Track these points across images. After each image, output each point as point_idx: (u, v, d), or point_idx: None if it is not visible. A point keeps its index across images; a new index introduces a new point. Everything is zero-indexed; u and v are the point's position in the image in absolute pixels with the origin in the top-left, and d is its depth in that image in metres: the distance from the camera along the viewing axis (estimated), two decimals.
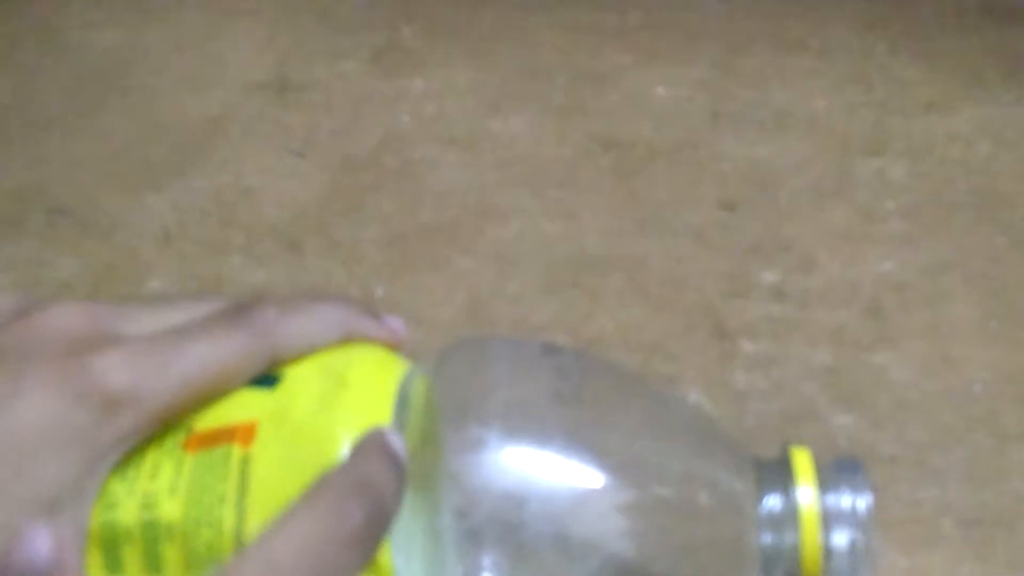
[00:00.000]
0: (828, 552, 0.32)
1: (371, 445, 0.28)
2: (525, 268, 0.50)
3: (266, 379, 0.31)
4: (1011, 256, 0.48)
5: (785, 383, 0.45)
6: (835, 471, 0.33)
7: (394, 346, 0.34)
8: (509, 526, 0.31)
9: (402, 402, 0.31)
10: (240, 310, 0.31)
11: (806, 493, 0.33)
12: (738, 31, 0.60)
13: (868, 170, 0.52)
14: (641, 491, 0.32)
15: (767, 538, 0.33)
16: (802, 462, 0.33)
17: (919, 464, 0.42)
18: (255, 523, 0.29)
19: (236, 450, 0.29)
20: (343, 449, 0.29)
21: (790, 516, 0.32)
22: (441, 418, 0.31)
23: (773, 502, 0.33)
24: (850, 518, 0.32)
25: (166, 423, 0.30)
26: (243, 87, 0.59)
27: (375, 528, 0.27)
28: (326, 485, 0.27)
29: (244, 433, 0.30)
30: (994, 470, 0.41)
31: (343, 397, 0.30)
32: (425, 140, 0.56)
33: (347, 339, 0.32)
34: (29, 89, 0.60)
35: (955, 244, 0.49)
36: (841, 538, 0.32)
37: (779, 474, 0.33)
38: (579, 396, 0.33)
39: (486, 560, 0.31)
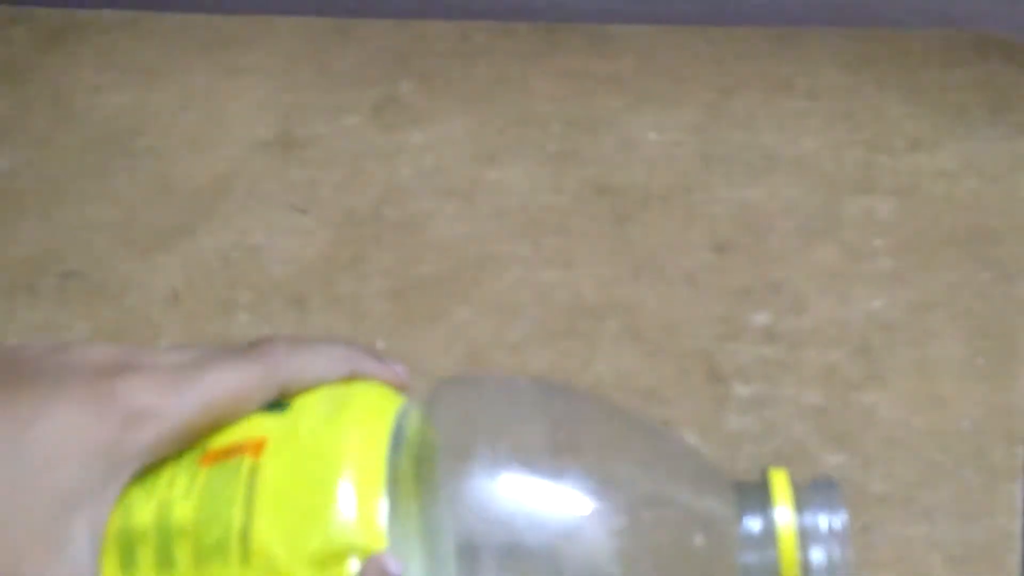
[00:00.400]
0: (807, 569, 0.34)
1: (372, 572, 0.31)
2: (523, 317, 0.51)
3: (277, 405, 0.34)
4: (997, 292, 0.49)
5: (777, 424, 0.46)
6: (811, 491, 0.35)
7: (397, 388, 0.36)
8: (505, 552, 0.33)
9: (399, 431, 0.34)
10: (253, 345, 0.34)
11: (783, 513, 0.34)
12: (727, 74, 0.61)
13: (856, 209, 0.54)
14: (629, 516, 0.34)
15: (748, 557, 0.34)
16: (779, 483, 0.35)
17: (908, 502, 0.43)
18: (261, 522, 0.31)
19: (247, 460, 0.32)
20: (344, 458, 0.32)
21: (769, 536, 0.34)
22: (437, 446, 0.34)
23: (752, 523, 0.35)
24: (826, 535, 0.34)
25: (183, 444, 0.33)
26: (248, 145, 0.61)
27: None
28: None
29: (254, 447, 0.33)
30: (982, 507, 0.42)
31: (345, 416, 0.33)
32: (424, 192, 0.57)
33: (352, 377, 0.35)
34: (41, 156, 0.62)
35: (942, 281, 0.50)
36: (818, 554, 0.34)
37: (758, 496, 0.35)
38: (567, 425, 0.35)
39: None
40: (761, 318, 0.49)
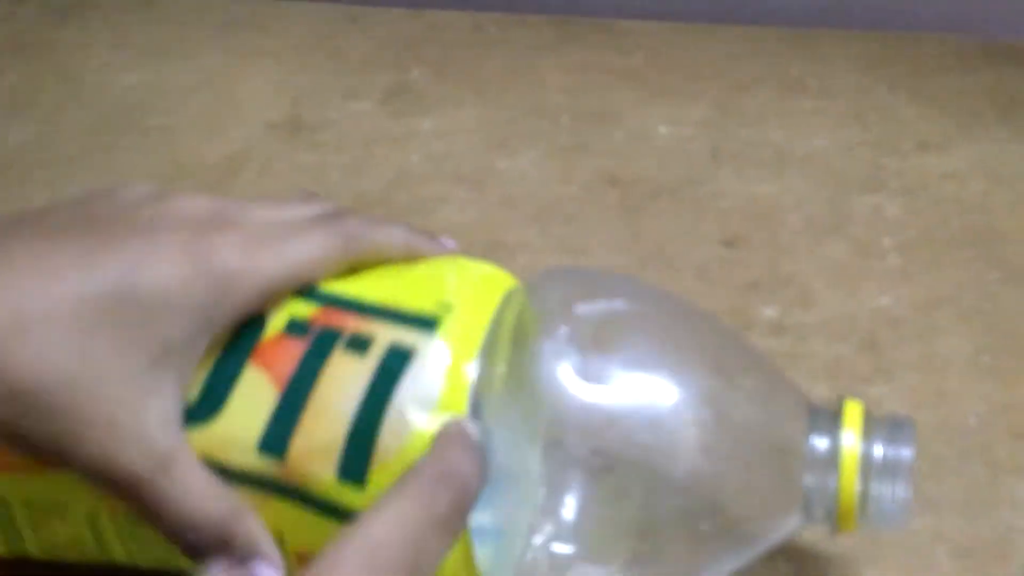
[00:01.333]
0: (864, 498, 0.35)
1: (452, 436, 0.32)
2: None
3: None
4: (1004, 291, 0.50)
5: None
6: (883, 425, 0.35)
7: None
8: (594, 439, 0.34)
9: (500, 312, 0.35)
10: (334, 216, 0.37)
11: (849, 439, 0.35)
12: (739, 72, 0.62)
13: (865, 207, 0.54)
14: (711, 413, 0.35)
15: (810, 479, 0.35)
16: (852, 412, 0.35)
17: (914, 495, 0.43)
18: None
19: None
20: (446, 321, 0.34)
21: (833, 459, 0.35)
22: (534, 330, 0.35)
23: (819, 443, 0.35)
24: (889, 468, 0.35)
25: (267, 303, 0.35)
26: (259, 127, 0.61)
27: (460, 512, 0.31)
28: (415, 475, 0.31)
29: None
30: (987, 501, 0.42)
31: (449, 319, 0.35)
32: (434, 178, 0.57)
33: (409, 254, 0.37)
34: (51, 130, 0.62)
35: (949, 279, 0.50)
36: (877, 486, 0.35)
37: (829, 420, 0.35)
38: (662, 324, 0.37)
39: (570, 472, 0.34)
40: (770, 312, 0.50)
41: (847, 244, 0.52)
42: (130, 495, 0.32)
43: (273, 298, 0.35)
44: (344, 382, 0.34)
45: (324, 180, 0.58)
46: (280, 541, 0.34)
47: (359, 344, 0.34)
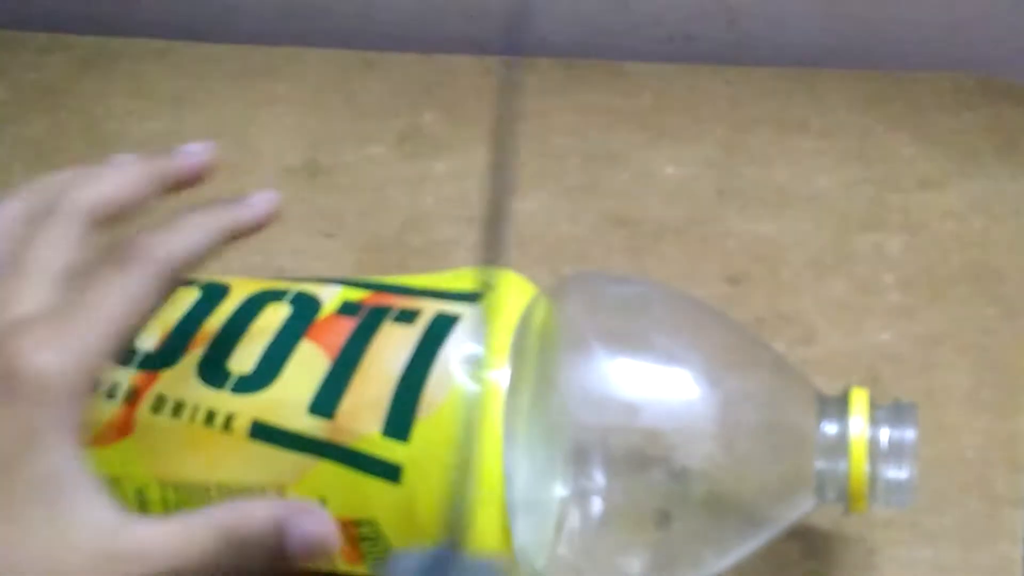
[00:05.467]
0: (874, 479, 0.38)
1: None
2: None
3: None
4: (1003, 327, 0.51)
5: None
6: (888, 410, 0.38)
7: (261, 224, 0.38)
8: (616, 431, 0.37)
9: (524, 323, 0.38)
10: (115, 249, 0.34)
11: (858, 425, 0.38)
12: (743, 112, 0.63)
13: (866, 244, 0.55)
14: (727, 409, 0.38)
15: (821, 463, 0.38)
16: (858, 399, 0.38)
17: (914, 526, 0.44)
18: None
19: None
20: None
21: (842, 445, 0.38)
22: (561, 335, 0.38)
23: (829, 429, 0.38)
24: (895, 451, 0.38)
25: (98, 378, 0.32)
26: (276, 171, 0.63)
27: None
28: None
29: None
30: (986, 533, 0.44)
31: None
32: (447, 220, 0.59)
33: (229, 238, 0.36)
34: None
35: (949, 315, 0.51)
36: (885, 468, 0.38)
37: (837, 408, 0.38)
38: (679, 320, 0.40)
39: (593, 465, 0.36)
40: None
41: (849, 281, 0.54)
42: None
43: (102, 366, 0.32)
44: (392, 347, 0.37)
45: (340, 222, 0.59)
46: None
47: (407, 316, 0.37)
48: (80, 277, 0.33)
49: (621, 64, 0.67)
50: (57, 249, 0.34)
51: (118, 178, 0.36)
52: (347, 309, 0.38)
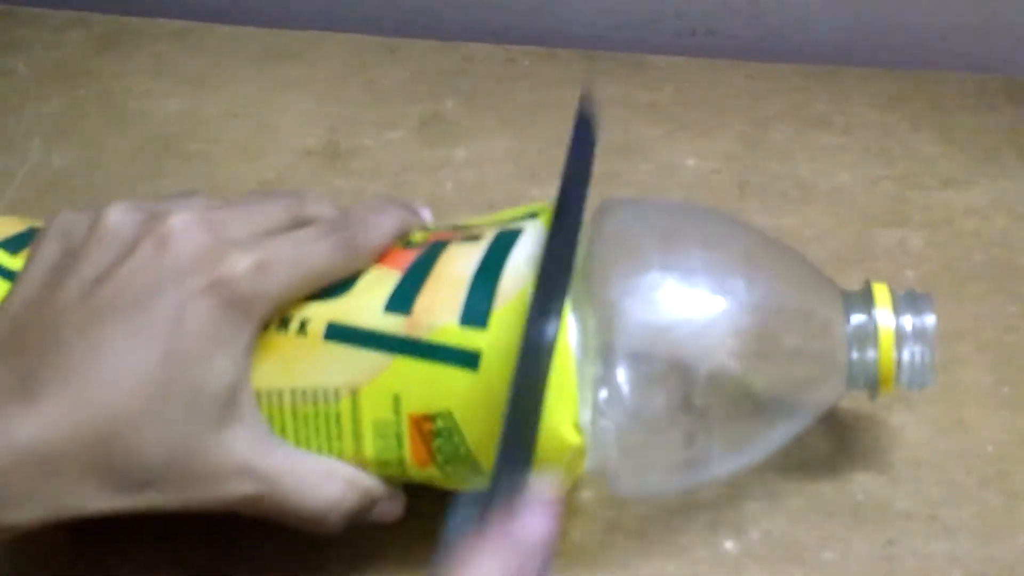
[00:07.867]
0: (899, 363, 0.41)
1: (533, 504, 0.33)
2: None
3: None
4: (1022, 323, 0.51)
5: (806, 441, 0.47)
6: (908, 300, 0.41)
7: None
8: (659, 326, 0.39)
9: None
10: (337, 221, 0.39)
11: (884, 315, 0.41)
12: (764, 107, 0.63)
13: (888, 241, 0.55)
14: (756, 316, 0.40)
15: (852, 354, 0.41)
16: (881, 292, 0.41)
17: (932, 519, 0.44)
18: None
19: None
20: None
21: (871, 334, 0.40)
22: (608, 240, 0.40)
23: (858, 322, 0.41)
24: (919, 336, 0.41)
25: (284, 310, 0.38)
26: (296, 154, 0.63)
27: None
28: (498, 538, 0.32)
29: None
30: (1003, 527, 0.43)
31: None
32: (466, 206, 0.59)
33: (405, 232, 0.41)
34: (93, 156, 0.63)
35: (970, 312, 0.51)
36: (910, 352, 0.41)
37: (862, 301, 0.41)
38: (711, 228, 0.42)
39: (637, 360, 0.38)
40: None
41: (869, 276, 0.53)
42: (257, 511, 0.37)
43: (290, 305, 0.38)
44: (462, 257, 0.39)
45: None
46: (396, 408, 0.37)
47: (471, 238, 0.40)
48: (302, 237, 0.38)
49: (643, 57, 0.67)
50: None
51: (392, 223, 0.41)
52: (410, 244, 0.40)
